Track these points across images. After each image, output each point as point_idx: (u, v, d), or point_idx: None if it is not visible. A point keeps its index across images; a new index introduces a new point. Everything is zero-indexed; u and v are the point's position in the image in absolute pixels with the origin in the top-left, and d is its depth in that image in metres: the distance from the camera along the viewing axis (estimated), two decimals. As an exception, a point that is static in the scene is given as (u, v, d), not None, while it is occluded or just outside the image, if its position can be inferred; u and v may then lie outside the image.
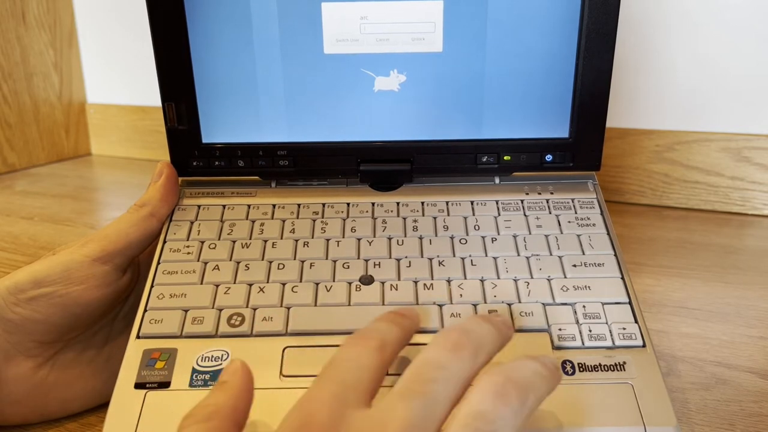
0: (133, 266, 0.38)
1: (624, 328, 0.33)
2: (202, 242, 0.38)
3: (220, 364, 0.32)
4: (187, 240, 0.38)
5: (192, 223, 0.40)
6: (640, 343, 0.32)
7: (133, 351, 0.32)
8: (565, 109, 0.41)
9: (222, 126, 0.41)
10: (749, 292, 0.48)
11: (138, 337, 0.33)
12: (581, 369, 0.31)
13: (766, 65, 0.64)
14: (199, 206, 0.41)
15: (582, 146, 0.41)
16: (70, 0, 0.95)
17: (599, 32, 0.39)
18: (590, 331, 0.33)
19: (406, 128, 0.41)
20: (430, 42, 0.39)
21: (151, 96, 0.95)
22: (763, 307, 0.46)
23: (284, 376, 0.31)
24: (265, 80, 0.40)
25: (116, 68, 0.96)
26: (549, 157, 0.41)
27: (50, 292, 0.33)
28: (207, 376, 0.31)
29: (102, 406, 0.35)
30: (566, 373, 0.31)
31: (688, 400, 0.35)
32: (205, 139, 0.41)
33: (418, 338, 0.33)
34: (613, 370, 0.31)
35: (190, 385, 0.31)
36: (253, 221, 0.40)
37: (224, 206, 0.41)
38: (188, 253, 0.37)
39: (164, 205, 0.39)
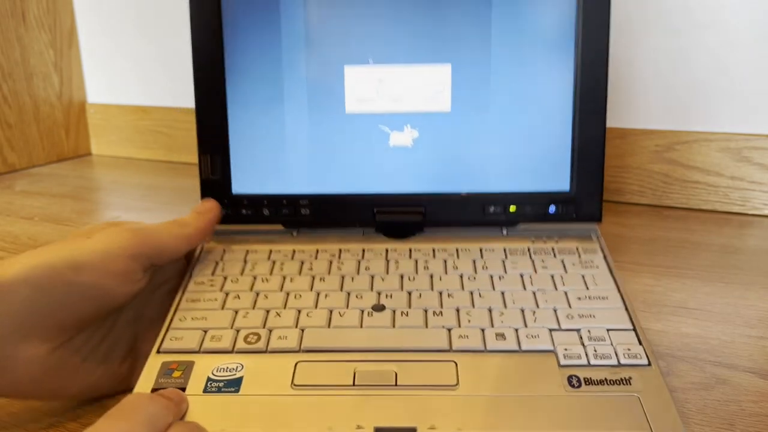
0: (150, 273, 0.37)
1: (629, 349, 0.33)
2: (225, 277, 0.41)
3: (234, 374, 0.33)
4: (212, 275, 0.41)
5: (217, 262, 0.42)
6: (646, 362, 0.33)
7: (153, 364, 0.34)
8: (564, 166, 0.44)
9: (251, 177, 0.45)
10: (749, 292, 0.47)
11: (158, 351, 0.35)
12: (587, 383, 0.31)
13: (766, 65, 0.64)
14: (224, 249, 0.44)
15: (583, 199, 0.44)
16: (70, 0, 0.97)
17: (591, 100, 0.43)
18: (595, 351, 0.33)
19: (419, 181, 0.45)
20: (439, 102, 0.44)
21: (152, 96, 0.94)
22: (763, 307, 0.45)
23: (295, 385, 0.32)
24: (293, 136, 0.45)
25: (116, 68, 0.97)
26: (552, 209, 0.44)
27: (89, 282, 0.33)
28: (221, 384, 0.32)
29: (102, 406, 0.35)
30: (572, 386, 0.31)
31: (688, 400, 0.34)
32: (236, 190, 0.45)
33: (421, 355, 0.33)
34: (619, 384, 0.31)
35: (204, 390, 0.32)
36: (274, 261, 0.42)
37: (248, 250, 0.44)
38: (212, 284, 0.40)
39: (200, 236, 0.40)
